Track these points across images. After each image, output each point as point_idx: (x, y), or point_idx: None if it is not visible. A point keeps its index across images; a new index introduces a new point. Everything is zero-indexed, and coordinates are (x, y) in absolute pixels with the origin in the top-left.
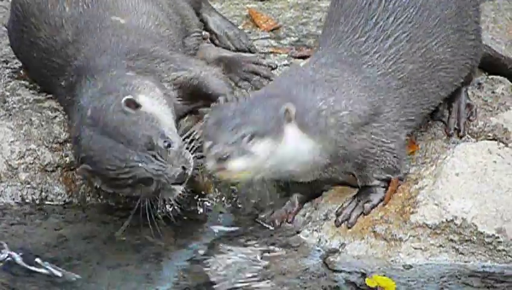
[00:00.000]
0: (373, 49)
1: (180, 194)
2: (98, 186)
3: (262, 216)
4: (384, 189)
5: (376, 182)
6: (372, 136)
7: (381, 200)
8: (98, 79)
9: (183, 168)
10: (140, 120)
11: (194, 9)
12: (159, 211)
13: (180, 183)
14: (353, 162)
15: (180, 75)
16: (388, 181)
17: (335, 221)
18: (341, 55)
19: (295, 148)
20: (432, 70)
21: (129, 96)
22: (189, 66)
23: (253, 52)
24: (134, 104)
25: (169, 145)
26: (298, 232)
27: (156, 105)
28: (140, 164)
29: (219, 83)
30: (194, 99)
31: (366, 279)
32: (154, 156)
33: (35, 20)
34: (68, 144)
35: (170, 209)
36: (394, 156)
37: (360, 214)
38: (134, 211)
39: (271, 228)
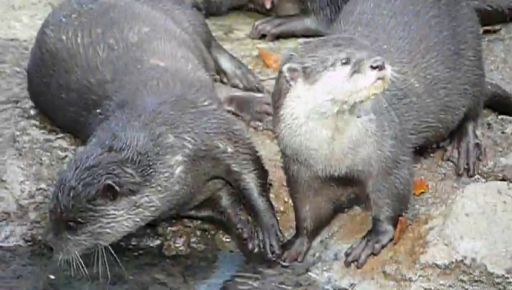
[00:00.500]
0: None
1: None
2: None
3: (271, 256)
4: (393, 229)
5: (386, 221)
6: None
7: (390, 240)
8: (135, 118)
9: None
10: (90, 203)
11: (206, 47)
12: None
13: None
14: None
15: (215, 145)
16: (397, 220)
17: (345, 261)
18: None
19: None
20: (431, 86)
21: (114, 186)
22: (238, 139)
23: (261, 90)
24: (112, 194)
25: (73, 230)
26: (308, 271)
27: (125, 212)
28: (51, 204)
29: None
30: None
31: None
32: (55, 220)
33: (66, 64)
34: None
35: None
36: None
37: (370, 254)
38: None
39: (283, 263)
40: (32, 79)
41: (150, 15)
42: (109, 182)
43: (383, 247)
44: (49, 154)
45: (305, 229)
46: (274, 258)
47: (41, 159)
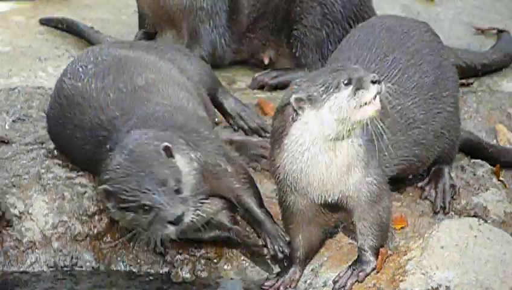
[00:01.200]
0: None
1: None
2: (109, 210)
3: (268, 283)
4: (375, 259)
5: (369, 250)
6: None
7: (373, 269)
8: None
9: (182, 213)
10: (166, 164)
11: (210, 94)
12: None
13: (174, 224)
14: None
15: (218, 163)
16: (379, 250)
17: (333, 288)
18: None
19: None
20: (405, 126)
21: (169, 145)
22: (234, 162)
23: (265, 130)
24: (170, 152)
25: (178, 191)
26: None
27: (188, 170)
28: (149, 192)
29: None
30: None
31: None
32: (164, 192)
33: (80, 107)
34: (96, 216)
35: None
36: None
37: (355, 282)
38: (125, 239)
39: None
40: (51, 122)
41: (156, 64)
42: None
43: (366, 275)
44: (70, 190)
45: (298, 258)
46: (283, 256)
47: (63, 195)
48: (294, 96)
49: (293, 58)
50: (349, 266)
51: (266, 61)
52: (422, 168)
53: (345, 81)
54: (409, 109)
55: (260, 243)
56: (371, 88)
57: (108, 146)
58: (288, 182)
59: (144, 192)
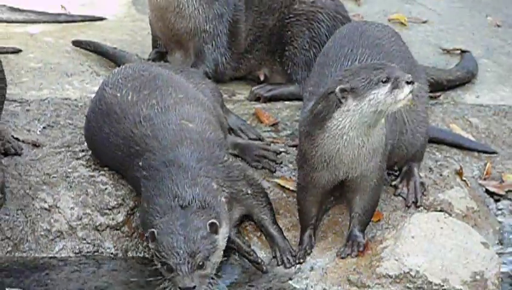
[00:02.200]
0: None
1: None
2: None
3: (298, 253)
4: (363, 235)
5: (357, 227)
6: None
7: (366, 240)
8: (184, 176)
9: (194, 287)
10: (206, 240)
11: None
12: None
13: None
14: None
15: (241, 189)
16: (365, 229)
17: (340, 256)
18: None
19: None
20: (391, 128)
21: (216, 222)
22: (253, 183)
23: (262, 139)
24: (215, 229)
25: (201, 267)
26: (290, 279)
27: (222, 246)
28: (177, 257)
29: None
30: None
31: None
32: (189, 263)
33: (117, 116)
34: (115, 210)
35: None
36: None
37: (358, 251)
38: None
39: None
40: (89, 122)
41: (184, 85)
42: (213, 220)
43: (364, 246)
44: (93, 187)
45: (312, 224)
46: (290, 266)
47: (87, 191)
48: (339, 86)
49: (285, 74)
50: (345, 244)
51: (262, 78)
52: (398, 164)
53: (384, 79)
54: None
55: (259, 261)
56: (405, 88)
57: (140, 163)
58: (323, 159)
59: (173, 255)
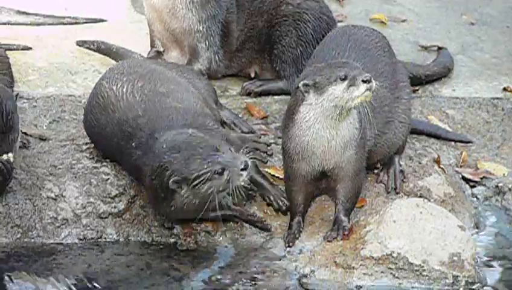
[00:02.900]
0: None
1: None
2: (180, 198)
3: (287, 238)
4: (348, 220)
5: (342, 213)
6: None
7: (349, 225)
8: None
9: (245, 160)
10: (205, 138)
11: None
12: (228, 199)
13: (245, 169)
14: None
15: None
16: (350, 214)
17: (326, 241)
18: None
19: None
20: (378, 104)
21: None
22: (235, 144)
23: (253, 132)
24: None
25: (230, 149)
26: (281, 262)
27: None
28: (215, 158)
29: None
30: None
31: None
32: (223, 153)
33: (113, 106)
34: (117, 198)
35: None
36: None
37: (343, 234)
38: (206, 207)
39: (289, 245)
40: (87, 114)
41: (176, 79)
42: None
43: (348, 230)
44: (96, 177)
45: (300, 211)
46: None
47: (90, 181)
48: (302, 81)
49: (274, 71)
50: (332, 229)
51: (252, 75)
52: (380, 161)
53: (342, 77)
54: (382, 103)
55: (262, 220)
56: (361, 86)
57: (133, 144)
58: (296, 151)
59: (211, 161)
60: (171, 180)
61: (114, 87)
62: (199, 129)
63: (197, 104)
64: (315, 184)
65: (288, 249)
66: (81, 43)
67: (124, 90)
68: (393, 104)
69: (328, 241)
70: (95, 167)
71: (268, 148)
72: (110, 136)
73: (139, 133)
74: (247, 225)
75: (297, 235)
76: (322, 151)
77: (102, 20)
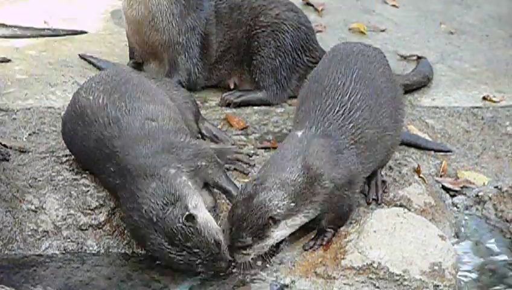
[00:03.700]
0: (347, 120)
1: None
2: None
3: None
4: (334, 231)
5: (331, 227)
6: (345, 194)
7: (333, 235)
8: (148, 174)
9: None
10: (199, 233)
11: (195, 120)
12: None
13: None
14: (326, 208)
15: (196, 165)
16: (340, 226)
17: (304, 248)
18: (327, 128)
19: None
20: (381, 134)
21: (184, 213)
22: (205, 155)
23: (234, 144)
24: (191, 218)
25: (219, 247)
26: (261, 272)
27: (202, 208)
28: (202, 265)
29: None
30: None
31: None
32: (212, 256)
33: (88, 118)
34: (97, 210)
35: None
36: (351, 210)
37: (320, 245)
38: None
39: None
40: (65, 126)
41: (153, 90)
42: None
43: (328, 240)
44: (76, 189)
45: None
46: None
47: (70, 193)
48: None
49: (253, 82)
50: (314, 237)
51: (232, 86)
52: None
53: None
54: (383, 119)
55: None
56: None
57: (111, 168)
58: None
59: (196, 268)
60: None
61: (90, 97)
62: (169, 152)
63: (171, 120)
64: None
65: (268, 260)
66: (82, 57)
67: (100, 101)
68: (394, 131)
69: (305, 250)
70: (75, 179)
71: (250, 158)
72: (88, 152)
73: (116, 158)
74: None
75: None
76: None
77: (82, 32)
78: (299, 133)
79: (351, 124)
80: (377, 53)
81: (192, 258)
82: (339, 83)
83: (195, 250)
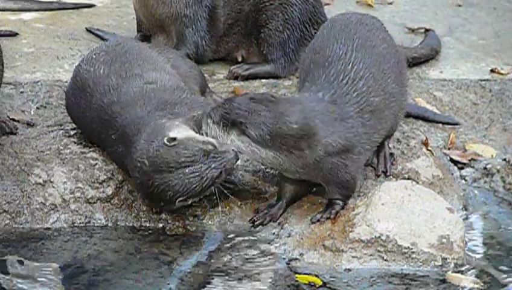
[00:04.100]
0: (352, 88)
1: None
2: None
3: (260, 214)
4: (342, 202)
5: (338, 198)
6: (341, 162)
7: (342, 207)
8: (142, 131)
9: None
10: (184, 145)
11: (201, 91)
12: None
13: (238, 159)
14: (321, 176)
15: (193, 114)
16: (346, 197)
17: (311, 221)
18: (331, 97)
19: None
20: (389, 101)
21: (165, 136)
22: (201, 107)
23: None
24: (172, 139)
25: (214, 145)
26: (270, 245)
27: (185, 130)
28: (212, 168)
29: None
30: None
31: (297, 276)
32: (214, 157)
33: (90, 89)
34: (105, 183)
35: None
36: (354, 180)
37: (328, 218)
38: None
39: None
40: (69, 99)
41: (154, 57)
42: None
43: (336, 213)
44: (84, 162)
45: (286, 197)
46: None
47: (78, 166)
48: None
49: (261, 55)
50: (322, 210)
51: (239, 59)
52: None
53: None
54: (389, 86)
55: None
56: None
57: (112, 136)
58: None
59: (207, 172)
60: (177, 205)
61: (91, 69)
62: (163, 107)
63: (169, 81)
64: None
65: (277, 232)
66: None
67: (101, 72)
68: (400, 97)
69: (312, 222)
70: (83, 152)
71: None
72: (90, 122)
73: (116, 124)
74: (236, 208)
75: (268, 218)
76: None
77: (90, 6)
78: (306, 94)
79: (356, 92)
80: (375, 21)
81: (199, 169)
82: (341, 53)
83: (194, 160)
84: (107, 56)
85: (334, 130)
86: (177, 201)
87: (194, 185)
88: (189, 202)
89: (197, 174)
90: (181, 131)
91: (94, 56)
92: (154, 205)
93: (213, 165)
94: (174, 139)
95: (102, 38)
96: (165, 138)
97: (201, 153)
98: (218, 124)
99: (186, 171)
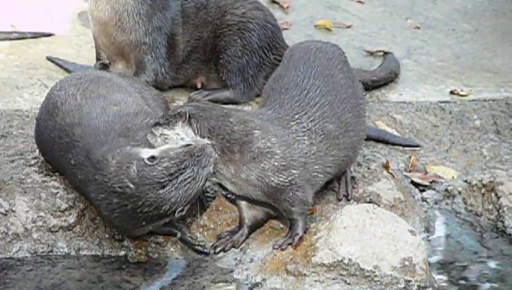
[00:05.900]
0: (303, 112)
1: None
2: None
3: (221, 240)
4: (303, 221)
5: (296, 216)
6: (289, 178)
7: (304, 232)
8: (108, 158)
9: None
10: (167, 156)
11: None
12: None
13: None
14: (265, 193)
15: None
16: (304, 214)
17: (273, 247)
18: (279, 115)
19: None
20: (345, 129)
21: (141, 158)
22: None
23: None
24: (152, 157)
25: (190, 143)
26: (232, 271)
27: (153, 148)
28: (202, 166)
29: None
30: None
31: None
32: (198, 156)
33: (58, 110)
34: (66, 212)
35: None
36: (303, 193)
37: (290, 244)
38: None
39: (224, 250)
40: (39, 124)
41: (123, 86)
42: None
43: (299, 238)
44: (45, 191)
45: (246, 224)
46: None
47: (40, 195)
48: None
49: (220, 81)
50: (285, 235)
51: (199, 85)
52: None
53: None
54: (345, 114)
55: (199, 248)
56: None
57: (72, 162)
58: None
59: (198, 174)
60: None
61: (62, 92)
62: (126, 133)
63: (133, 104)
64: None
65: (239, 258)
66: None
67: (71, 93)
68: (357, 126)
69: (274, 248)
70: (44, 181)
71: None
72: (53, 146)
73: (76, 149)
74: (197, 235)
75: (236, 243)
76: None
77: (49, 35)
78: (257, 112)
79: (307, 116)
80: (335, 49)
81: (191, 172)
82: (298, 80)
83: (184, 166)
84: (78, 80)
85: (271, 142)
86: (176, 212)
87: (191, 191)
88: (184, 212)
89: (191, 178)
90: (151, 150)
91: (66, 82)
92: (125, 230)
93: (202, 164)
94: (153, 157)
95: (62, 67)
96: (145, 159)
97: (188, 156)
98: (174, 124)
99: (180, 179)
